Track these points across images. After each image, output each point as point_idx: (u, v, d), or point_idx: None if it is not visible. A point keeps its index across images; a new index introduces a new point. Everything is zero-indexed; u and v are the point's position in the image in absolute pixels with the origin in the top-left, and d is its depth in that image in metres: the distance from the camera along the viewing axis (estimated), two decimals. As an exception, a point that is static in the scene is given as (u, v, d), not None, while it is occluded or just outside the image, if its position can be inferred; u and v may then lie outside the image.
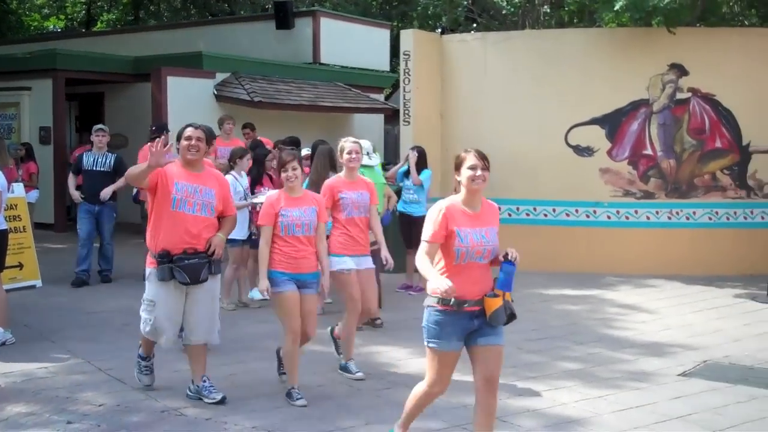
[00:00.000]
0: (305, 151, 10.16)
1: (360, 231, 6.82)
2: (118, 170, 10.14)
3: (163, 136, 7.16)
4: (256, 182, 9.43)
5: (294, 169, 6.05)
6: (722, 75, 11.66)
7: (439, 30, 21.68)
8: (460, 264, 4.59)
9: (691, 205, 11.78)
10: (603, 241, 11.65)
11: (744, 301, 9.94)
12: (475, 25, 20.39)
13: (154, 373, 6.34)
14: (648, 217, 11.78)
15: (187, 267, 5.75)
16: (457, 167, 4.71)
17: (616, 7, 10.93)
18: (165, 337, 6.00)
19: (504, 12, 17.28)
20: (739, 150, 11.79)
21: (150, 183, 5.76)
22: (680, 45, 11.61)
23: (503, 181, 11.45)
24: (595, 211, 11.79)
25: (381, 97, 20.15)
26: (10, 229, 10.18)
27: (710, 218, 11.75)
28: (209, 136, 6.01)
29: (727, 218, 11.74)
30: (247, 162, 9.40)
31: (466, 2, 18.84)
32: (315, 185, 8.70)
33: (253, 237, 8.99)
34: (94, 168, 10.33)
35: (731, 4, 14.19)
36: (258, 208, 9.01)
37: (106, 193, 10.25)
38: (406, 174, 10.43)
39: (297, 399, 5.97)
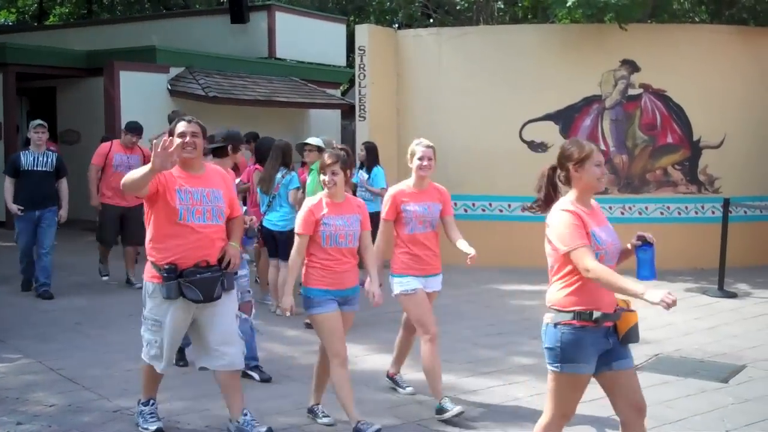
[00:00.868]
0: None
1: (425, 249, 5.93)
2: (59, 171, 9.50)
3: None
4: None
5: (334, 173, 5.30)
6: (673, 71, 11.82)
7: (396, 26, 21.70)
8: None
9: (643, 200, 11.94)
10: (557, 236, 11.73)
11: (695, 295, 10.10)
12: (431, 20, 20.44)
13: (159, 417, 5.47)
14: (601, 212, 11.89)
15: (199, 282, 4.95)
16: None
17: (569, 3, 11.03)
18: (165, 362, 5.25)
19: (458, 8, 17.33)
20: (689, 145, 11.97)
21: (150, 190, 4.91)
22: (632, 41, 11.74)
23: (459, 177, 11.55)
24: (550, 207, 11.86)
25: (337, 92, 20.12)
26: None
27: (662, 213, 11.92)
28: (205, 131, 5.26)
29: (679, 213, 11.92)
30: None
31: (421, -2, 18.90)
32: (265, 182, 8.79)
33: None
34: (35, 168, 9.32)
35: (681, 1, 14.39)
36: None
37: (63, 217, 9.60)
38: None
39: (323, 417, 5.60)
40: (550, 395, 4.17)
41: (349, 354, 7.26)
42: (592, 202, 4.31)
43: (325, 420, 5.58)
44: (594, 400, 5.22)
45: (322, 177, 5.35)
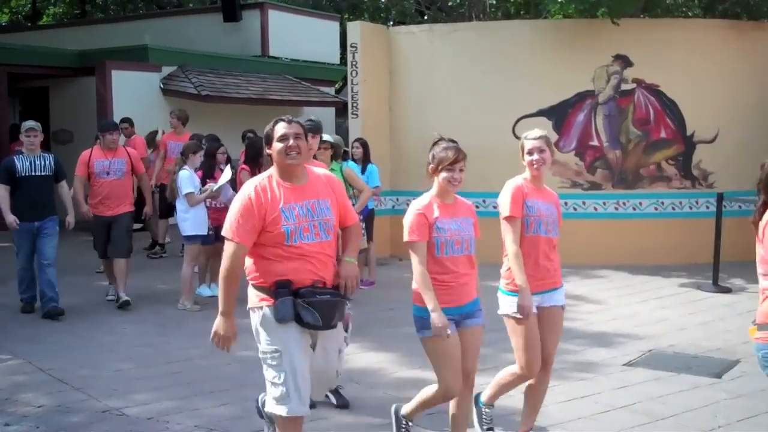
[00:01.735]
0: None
1: (547, 259, 5.19)
2: (58, 174, 8.60)
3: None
4: (207, 176, 9.30)
5: (462, 170, 4.68)
6: (666, 66, 11.78)
7: (391, 23, 21.66)
8: None
9: (637, 195, 11.90)
10: (551, 232, 11.70)
11: (689, 291, 10.06)
12: (425, 18, 20.40)
13: None
14: (595, 208, 11.89)
15: (319, 305, 4.14)
16: None
17: (560, -1, 10.99)
18: (296, 400, 4.16)
19: (450, 3, 17.28)
20: (683, 140, 11.93)
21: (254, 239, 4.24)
22: (624, 36, 11.69)
23: (452, 174, 11.50)
24: (543, 203, 11.84)
25: (331, 90, 20.08)
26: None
27: (656, 208, 11.89)
28: (306, 130, 4.46)
29: (673, 208, 11.88)
30: (199, 158, 9.24)
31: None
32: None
33: (210, 233, 8.87)
34: (32, 173, 8.41)
35: (674, -4, 14.38)
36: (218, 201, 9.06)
37: (71, 224, 8.58)
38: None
39: None
40: None
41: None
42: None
43: None
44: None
45: (445, 175, 4.62)
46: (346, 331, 5.01)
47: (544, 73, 11.93)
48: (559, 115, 11.92)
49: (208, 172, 9.33)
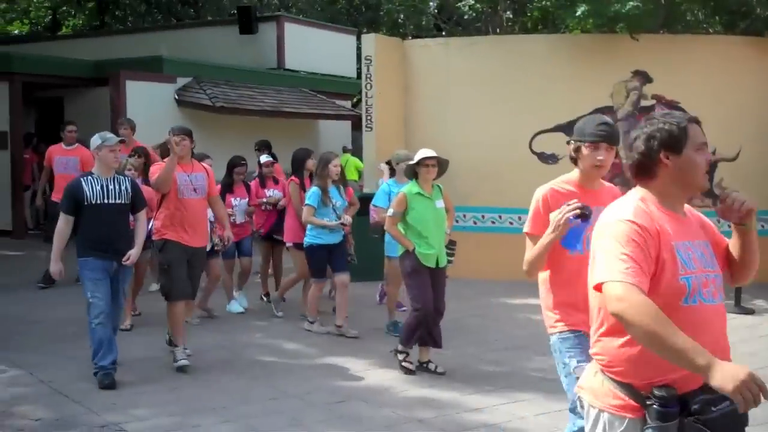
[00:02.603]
0: (264, 158, 9.89)
1: None
2: (136, 202, 6.73)
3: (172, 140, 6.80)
4: (226, 191, 9.10)
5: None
6: (686, 82, 11.55)
7: (410, 38, 21.54)
8: None
9: (656, 213, 11.63)
10: (568, 249, 11.47)
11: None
12: (443, 33, 20.29)
13: None
14: (613, 226, 11.63)
15: (721, 424, 2.68)
16: None
17: (578, 13, 10.81)
18: None
19: (465, 17, 17.14)
20: (704, 158, 11.67)
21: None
22: (644, 52, 11.49)
23: (468, 189, 11.34)
24: (560, 220, 11.62)
25: (348, 104, 19.97)
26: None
27: (675, 227, 11.62)
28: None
29: (693, 227, 11.61)
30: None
31: (432, 8, 18.72)
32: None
33: (216, 249, 8.57)
34: (105, 200, 6.49)
35: (695, 11, 14.14)
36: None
37: (134, 256, 6.64)
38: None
39: None
40: None
41: (350, 369, 7.09)
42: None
43: None
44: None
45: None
46: None
47: (562, 88, 11.73)
48: (576, 130, 11.69)
49: (226, 188, 9.14)
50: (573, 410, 4.09)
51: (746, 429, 2.82)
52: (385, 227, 7.23)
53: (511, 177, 11.72)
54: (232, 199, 9.15)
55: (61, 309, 9.21)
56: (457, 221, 9.59)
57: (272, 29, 18.38)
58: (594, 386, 2.90)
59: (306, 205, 8.16)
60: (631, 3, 10.62)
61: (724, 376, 2.44)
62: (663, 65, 11.59)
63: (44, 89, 16.47)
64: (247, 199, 9.37)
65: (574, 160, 4.27)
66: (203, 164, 7.51)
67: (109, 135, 6.65)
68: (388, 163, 9.47)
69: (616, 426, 2.79)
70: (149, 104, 14.72)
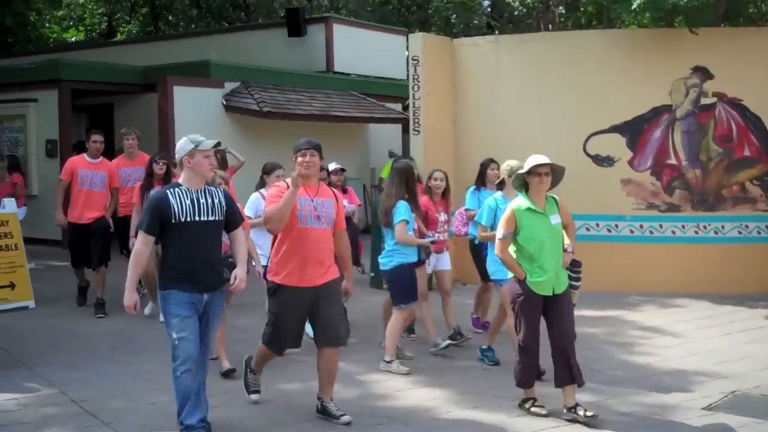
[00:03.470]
0: (333, 165, 9.21)
1: None
2: (230, 219, 5.54)
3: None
4: None
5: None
6: (750, 79, 10.97)
7: (463, 36, 21.13)
8: None
9: (719, 218, 11.08)
10: (625, 257, 10.96)
11: (772, 319, 9.27)
12: (495, 31, 19.85)
13: None
14: (673, 232, 11.12)
15: None
16: None
17: (634, 6, 10.31)
18: None
19: (516, 13, 16.65)
20: (768, 158, 11.11)
21: None
22: (704, 47, 10.95)
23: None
24: (616, 225, 11.14)
25: (398, 106, 19.63)
26: (1, 246, 9.88)
27: (740, 232, 11.05)
28: None
29: (759, 232, 11.02)
30: (275, 177, 8.17)
31: (484, 6, 18.28)
32: (386, 214, 7.30)
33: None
34: (196, 217, 5.33)
35: (758, 3, 13.49)
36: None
37: (241, 279, 5.48)
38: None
39: None
40: None
41: (390, 388, 6.74)
42: None
43: None
44: None
45: None
46: None
47: (618, 87, 11.26)
48: (633, 131, 11.22)
49: None
50: None
51: None
52: (496, 252, 6.16)
53: (564, 181, 11.20)
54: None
55: (103, 323, 9.08)
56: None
57: (321, 31, 18.16)
58: None
59: (400, 221, 7.19)
60: (690, -5, 10.09)
61: None
62: (724, 61, 11.04)
63: (94, 96, 16.45)
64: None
65: None
66: (329, 188, 6.22)
67: (201, 138, 5.44)
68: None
69: None
70: (197, 110, 14.59)
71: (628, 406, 6.29)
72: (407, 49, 19.94)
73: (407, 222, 7.22)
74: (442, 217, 8.03)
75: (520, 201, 6.00)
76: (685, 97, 11.15)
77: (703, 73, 11.10)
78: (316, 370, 5.88)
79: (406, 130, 18.66)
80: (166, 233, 5.30)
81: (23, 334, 8.54)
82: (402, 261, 7.29)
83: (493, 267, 7.27)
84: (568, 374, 5.88)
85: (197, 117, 14.46)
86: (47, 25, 30.01)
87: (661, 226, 11.07)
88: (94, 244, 9.59)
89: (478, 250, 8.13)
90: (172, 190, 5.34)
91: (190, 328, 5.28)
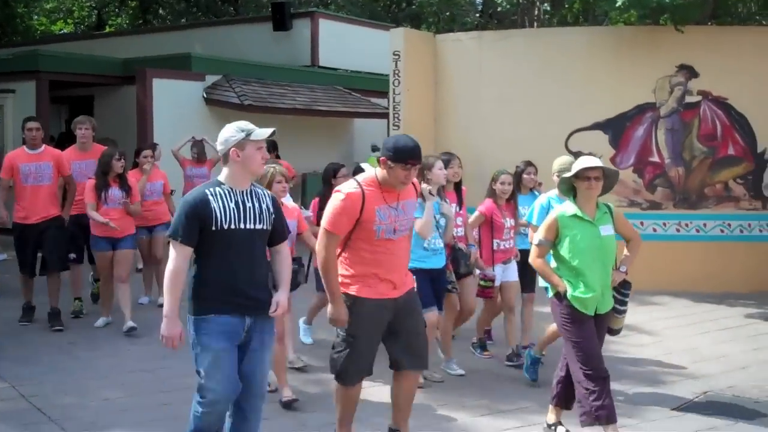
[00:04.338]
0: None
1: None
2: (277, 229, 4.56)
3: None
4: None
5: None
6: (735, 77, 10.81)
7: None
8: None
9: (701, 216, 10.93)
10: (606, 254, 10.81)
11: (756, 323, 9.09)
12: (480, 27, 19.69)
13: None
14: (655, 229, 10.95)
15: None
16: None
17: (619, 3, 10.14)
18: None
19: (500, 9, 16.48)
20: (753, 158, 10.94)
21: None
22: (690, 45, 10.77)
23: (498, 190, 10.73)
24: (597, 223, 10.98)
25: (384, 102, 19.45)
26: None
27: (722, 231, 10.90)
28: None
29: (741, 231, 10.88)
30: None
31: (479, 3, 18.10)
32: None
33: None
34: (241, 224, 4.36)
35: (746, 2, 13.33)
36: None
37: (284, 303, 4.56)
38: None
39: None
40: None
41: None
42: None
43: None
44: None
45: None
46: None
47: (601, 84, 11.08)
48: (616, 128, 11.05)
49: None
50: None
51: None
52: (530, 259, 5.51)
53: (545, 178, 11.07)
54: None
55: (69, 317, 8.76)
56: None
57: (306, 26, 17.96)
58: None
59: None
60: (677, -8, 9.93)
61: None
62: (710, 59, 10.88)
63: (74, 88, 16.22)
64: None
65: None
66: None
67: (252, 125, 4.44)
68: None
69: None
70: (176, 102, 14.38)
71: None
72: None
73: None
74: (509, 222, 7.19)
75: (567, 207, 5.32)
76: (669, 95, 10.98)
77: (688, 71, 10.95)
78: (391, 395, 5.06)
79: (392, 126, 18.53)
80: (202, 243, 4.28)
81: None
82: (414, 266, 5.87)
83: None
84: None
85: (177, 110, 14.27)
86: (35, 17, 29.83)
87: (642, 223, 10.88)
88: (45, 247, 8.38)
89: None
90: (212, 189, 4.33)
91: (226, 364, 4.26)
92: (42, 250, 8.47)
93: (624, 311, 5.54)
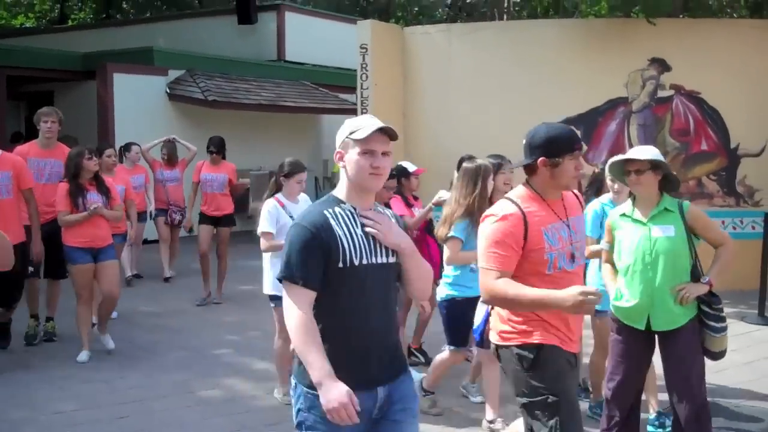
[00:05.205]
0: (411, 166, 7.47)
1: None
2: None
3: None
4: None
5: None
6: (708, 71, 10.67)
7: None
8: None
9: (674, 213, 10.79)
10: (578, 252, 10.65)
11: (731, 322, 8.76)
12: (449, 20, 19.48)
13: None
14: (627, 226, 10.80)
15: None
16: None
17: (591, -6, 10.00)
18: None
19: (468, 1, 16.27)
20: (726, 153, 10.82)
21: None
22: (662, 38, 10.62)
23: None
24: (569, 220, 10.81)
25: (352, 97, 19.21)
26: None
27: (695, 227, 10.76)
28: None
29: (715, 228, 10.76)
30: (296, 183, 6.60)
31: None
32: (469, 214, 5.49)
33: None
34: (373, 258, 3.05)
35: (719, -6, 13.26)
36: None
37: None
38: None
39: None
40: None
41: None
42: None
43: None
44: None
45: None
46: None
47: (573, 78, 10.88)
48: (588, 123, 10.87)
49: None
50: None
51: None
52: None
53: (516, 174, 10.88)
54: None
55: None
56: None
57: (272, 19, 17.68)
58: None
59: (451, 237, 5.47)
60: (648, -16, 9.79)
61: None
62: (682, 52, 10.71)
63: (34, 83, 15.79)
64: None
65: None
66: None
67: (361, 121, 3.19)
68: None
69: None
70: (138, 98, 14.05)
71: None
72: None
73: (462, 242, 5.44)
74: None
75: (622, 206, 4.82)
76: (641, 90, 10.83)
77: (660, 64, 10.79)
78: None
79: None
80: (322, 285, 2.99)
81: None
82: (455, 295, 5.52)
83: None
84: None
85: (139, 105, 13.95)
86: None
87: (615, 221, 10.72)
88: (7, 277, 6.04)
89: None
90: (330, 210, 3.04)
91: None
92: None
93: (720, 329, 4.59)
